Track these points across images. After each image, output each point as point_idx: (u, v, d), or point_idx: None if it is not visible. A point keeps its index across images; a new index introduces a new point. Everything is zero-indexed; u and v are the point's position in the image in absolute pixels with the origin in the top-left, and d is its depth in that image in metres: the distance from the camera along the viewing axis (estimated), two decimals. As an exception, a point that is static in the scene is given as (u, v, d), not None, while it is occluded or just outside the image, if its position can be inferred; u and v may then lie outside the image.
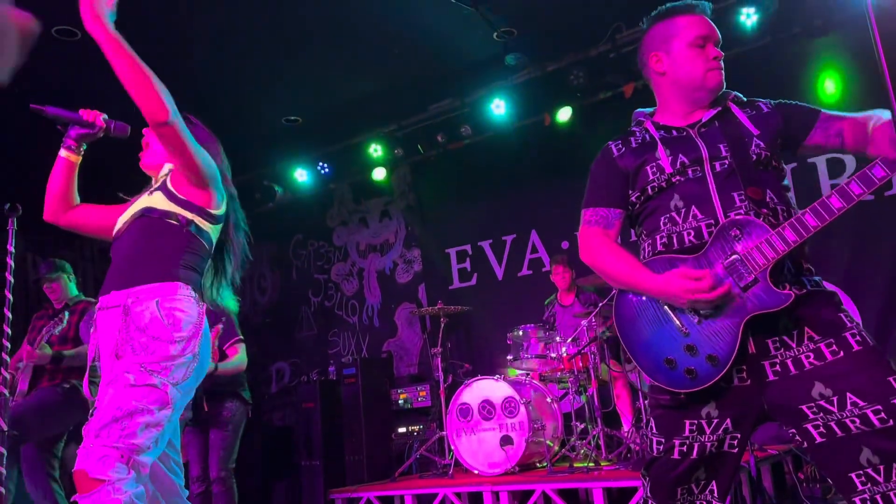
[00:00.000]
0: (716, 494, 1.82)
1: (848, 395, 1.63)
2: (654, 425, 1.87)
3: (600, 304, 4.80)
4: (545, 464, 4.26)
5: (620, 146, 2.02)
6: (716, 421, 1.77)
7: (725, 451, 1.80)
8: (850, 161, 5.06)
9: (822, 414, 1.65)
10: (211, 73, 5.66)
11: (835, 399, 1.64)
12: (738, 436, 1.79)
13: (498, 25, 5.35)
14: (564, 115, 5.95)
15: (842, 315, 1.76)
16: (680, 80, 1.95)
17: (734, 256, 1.75)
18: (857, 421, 1.61)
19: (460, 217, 6.83)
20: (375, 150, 6.75)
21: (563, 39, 5.71)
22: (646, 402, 4.47)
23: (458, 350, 6.54)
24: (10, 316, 3.23)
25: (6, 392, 3.00)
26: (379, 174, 6.97)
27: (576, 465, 4.30)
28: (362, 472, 6.05)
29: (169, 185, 2.26)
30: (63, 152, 2.42)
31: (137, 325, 2.04)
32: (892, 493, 1.57)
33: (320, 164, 7.08)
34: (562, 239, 6.18)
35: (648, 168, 1.92)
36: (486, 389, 4.61)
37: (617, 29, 5.57)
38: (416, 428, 6.03)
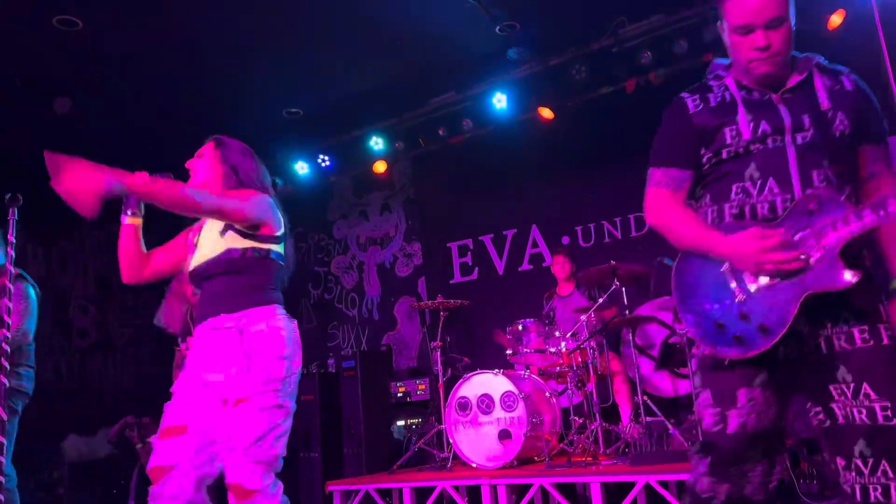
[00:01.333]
0: (765, 475, 1.81)
1: (864, 384, 1.66)
2: (709, 396, 1.83)
3: (600, 299, 4.80)
4: (543, 458, 4.27)
5: (698, 102, 1.90)
6: (765, 390, 1.77)
7: (770, 428, 1.79)
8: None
9: (840, 399, 1.69)
10: (213, 66, 5.66)
11: (852, 385, 1.67)
12: (777, 411, 1.79)
13: (500, 19, 5.34)
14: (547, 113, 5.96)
15: (881, 307, 1.74)
16: (733, 61, 1.89)
17: (807, 230, 1.69)
18: (864, 412, 1.65)
19: (461, 211, 6.83)
20: (376, 143, 6.74)
21: (565, 33, 5.70)
22: (645, 397, 4.48)
23: (458, 344, 6.55)
24: (12, 305, 3.24)
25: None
26: (380, 167, 6.96)
27: (574, 459, 4.31)
28: (361, 465, 6.06)
29: (239, 226, 2.46)
30: (127, 219, 2.58)
31: (258, 344, 2.34)
32: (870, 487, 1.63)
33: (321, 156, 7.07)
34: (562, 234, 6.18)
35: (727, 130, 1.82)
36: (485, 383, 4.62)
37: (619, 23, 5.57)
38: (415, 421, 6.04)
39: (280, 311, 2.47)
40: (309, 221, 7.90)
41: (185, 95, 6.02)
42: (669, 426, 4.43)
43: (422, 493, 4.51)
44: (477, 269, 6.67)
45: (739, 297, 1.76)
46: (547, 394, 4.75)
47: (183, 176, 2.64)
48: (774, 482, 1.83)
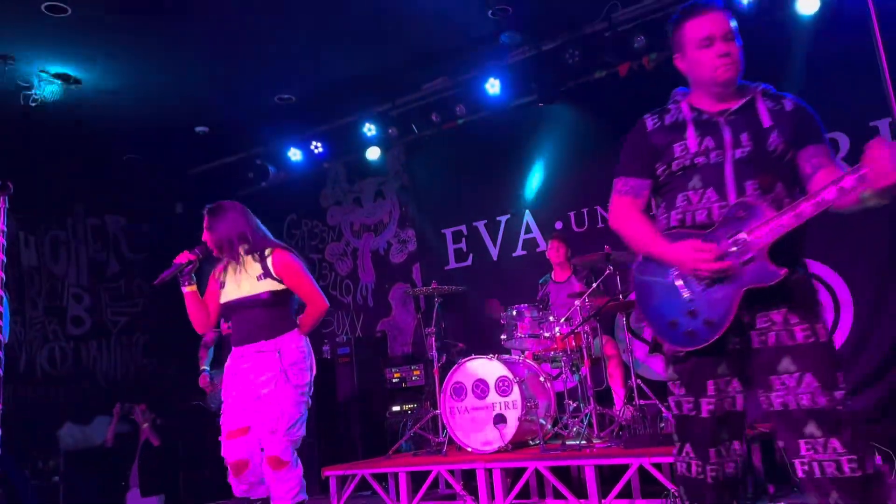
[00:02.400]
0: (739, 454, 2.05)
1: (807, 374, 1.92)
2: (681, 386, 2.08)
3: (594, 284, 4.82)
4: (538, 442, 4.30)
5: (656, 121, 2.18)
6: (727, 378, 2.03)
7: (738, 411, 2.04)
8: (843, 140, 5.06)
9: (784, 387, 1.94)
10: (204, 51, 5.62)
11: (796, 375, 1.93)
12: (743, 396, 2.04)
13: (492, 3, 5.31)
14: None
15: (818, 309, 2.02)
16: (697, 79, 2.13)
17: (739, 235, 1.94)
18: (807, 398, 1.91)
19: (455, 197, 6.82)
20: (369, 129, 6.71)
21: (558, 17, 5.68)
22: (638, 381, 4.51)
23: (453, 330, 6.56)
24: (4, 295, 3.23)
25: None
26: (373, 154, 6.93)
27: (568, 442, 4.34)
28: (357, 451, 6.09)
29: (273, 273, 3.31)
30: (185, 289, 3.35)
31: (290, 361, 3.26)
32: (825, 462, 1.87)
33: (314, 143, 7.04)
34: (556, 219, 6.18)
35: (676, 146, 2.09)
36: (479, 369, 4.64)
37: (612, 7, 5.54)
38: (410, 407, 6.07)
39: (300, 333, 3.35)
40: (302, 208, 7.89)
41: (177, 82, 5.98)
42: (663, 409, 4.47)
43: (417, 478, 4.54)
44: (471, 254, 6.68)
45: (687, 296, 2.02)
46: (541, 378, 4.77)
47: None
48: (743, 460, 2.07)
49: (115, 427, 6.34)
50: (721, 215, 1.99)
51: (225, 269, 3.39)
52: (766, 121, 2.05)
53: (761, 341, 1.99)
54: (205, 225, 3.39)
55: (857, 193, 1.89)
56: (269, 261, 3.31)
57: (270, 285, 3.27)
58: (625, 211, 2.19)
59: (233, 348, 3.36)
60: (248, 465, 3.19)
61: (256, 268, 3.30)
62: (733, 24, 2.07)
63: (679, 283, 2.04)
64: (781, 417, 1.95)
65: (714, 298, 1.97)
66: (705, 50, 2.06)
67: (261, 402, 3.19)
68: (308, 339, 3.37)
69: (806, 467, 1.91)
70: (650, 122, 2.18)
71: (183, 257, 3.30)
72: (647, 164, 2.16)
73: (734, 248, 1.94)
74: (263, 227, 3.48)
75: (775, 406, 1.96)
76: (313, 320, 3.36)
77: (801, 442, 1.91)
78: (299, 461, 3.21)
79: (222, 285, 3.37)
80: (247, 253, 3.33)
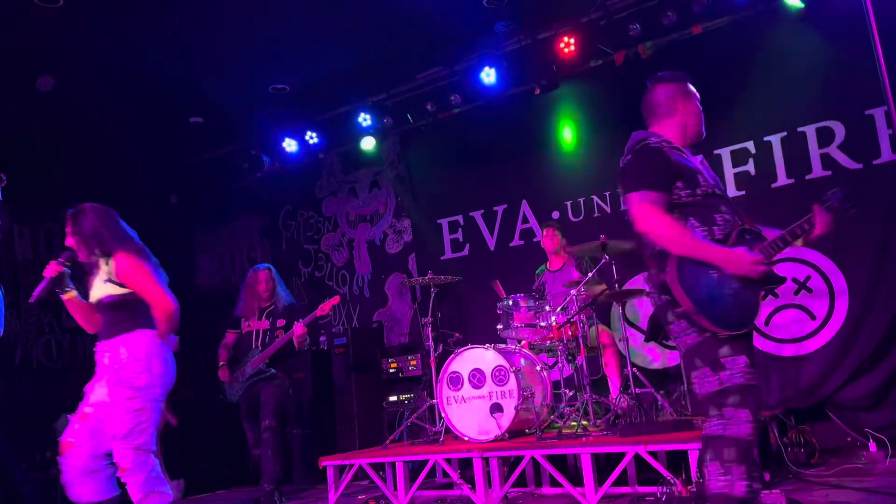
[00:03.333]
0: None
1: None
2: (745, 362, 2.36)
3: (590, 273, 4.82)
4: (534, 430, 4.31)
5: (672, 149, 2.55)
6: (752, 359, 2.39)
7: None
8: (839, 129, 5.07)
9: None
10: (198, 42, 5.58)
11: None
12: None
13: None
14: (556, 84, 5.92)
15: None
16: (684, 127, 2.67)
17: (759, 246, 2.43)
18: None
19: (451, 187, 6.81)
20: (365, 119, 6.69)
21: (554, 6, 5.65)
22: (634, 369, 4.53)
23: (449, 320, 6.57)
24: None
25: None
26: (368, 144, 6.91)
27: (564, 431, 4.36)
28: (354, 441, 6.11)
29: (114, 276, 3.24)
30: (64, 298, 3.46)
31: (123, 365, 3.16)
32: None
33: (309, 133, 7.01)
34: (552, 209, 6.18)
35: (699, 177, 2.50)
36: (476, 358, 4.65)
37: (608, -5, 5.52)
38: (407, 397, 6.08)
39: (150, 335, 3.19)
40: (297, 199, 7.87)
41: (171, 73, 5.95)
42: (658, 397, 4.49)
43: (415, 467, 4.55)
44: (468, 245, 6.68)
45: (732, 290, 2.39)
46: (538, 367, 4.78)
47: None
48: None
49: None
50: (734, 237, 2.45)
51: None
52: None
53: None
54: (67, 230, 3.41)
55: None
56: (112, 265, 3.27)
57: (112, 289, 3.25)
58: (666, 219, 2.47)
59: None
60: (71, 447, 3.19)
61: (105, 271, 3.29)
62: None
63: (727, 279, 2.39)
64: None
65: (750, 293, 2.40)
66: (698, 106, 2.70)
67: (98, 406, 3.19)
68: (166, 341, 3.23)
69: None
70: (667, 149, 2.55)
71: (51, 269, 3.38)
72: (671, 182, 2.50)
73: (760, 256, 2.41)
74: (125, 229, 3.41)
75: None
76: (164, 323, 3.20)
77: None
78: (148, 465, 3.09)
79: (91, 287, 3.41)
80: (100, 256, 3.31)
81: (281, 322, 5.21)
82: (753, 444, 2.33)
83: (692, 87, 2.66)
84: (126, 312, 3.22)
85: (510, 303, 4.88)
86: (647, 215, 2.46)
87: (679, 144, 2.58)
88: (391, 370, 6.35)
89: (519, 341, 4.98)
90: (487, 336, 5.14)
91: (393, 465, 4.59)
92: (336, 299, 5.30)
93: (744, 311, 2.39)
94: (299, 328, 5.06)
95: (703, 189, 2.48)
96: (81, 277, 3.40)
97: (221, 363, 5.31)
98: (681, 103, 2.62)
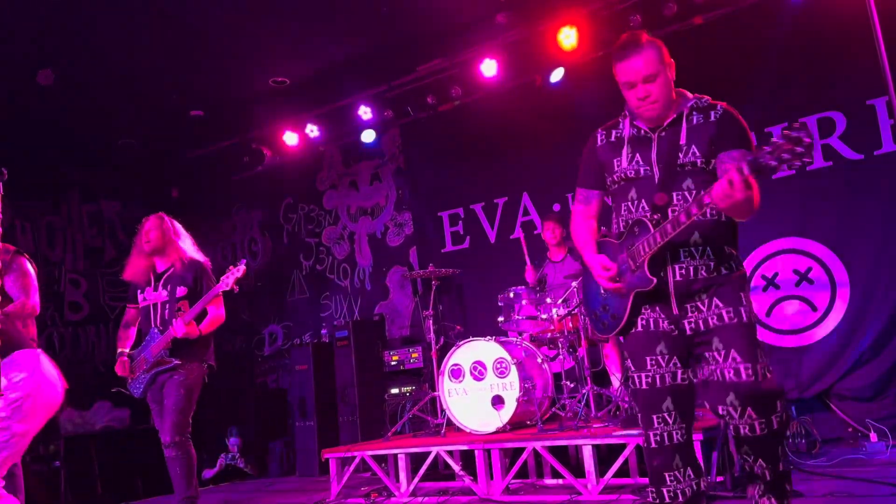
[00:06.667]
0: (681, 424, 2.35)
1: (732, 350, 2.24)
2: (631, 363, 2.44)
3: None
4: (536, 422, 4.32)
5: (603, 137, 2.53)
6: (666, 356, 2.36)
7: (679, 384, 2.35)
8: (840, 119, 5.05)
9: (714, 362, 2.27)
10: (198, 34, 5.56)
11: (723, 352, 2.25)
12: (685, 371, 2.37)
13: (488, -17, 5.26)
14: (557, 75, 5.90)
15: (742, 294, 2.32)
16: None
17: (632, 248, 2.36)
18: (732, 372, 2.23)
19: (451, 180, 6.79)
20: (365, 112, 6.67)
21: (554, -2, 5.63)
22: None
23: (451, 312, 6.58)
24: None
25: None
26: (368, 137, 6.90)
27: (566, 423, 4.37)
28: (356, 433, 6.13)
29: None
30: None
31: None
32: (741, 426, 2.22)
33: (309, 126, 6.99)
34: (553, 201, 6.17)
35: (615, 162, 2.45)
36: (477, 350, 4.66)
37: (609, -14, 5.49)
38: (409, 389, 6.10)
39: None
40: (298, 192, 7.87)
41: (172, 66, 5.94)
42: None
43: (416, 459, 4.57)
44: (468, 237, 6.67)
45: (602, 294, 2.50)
46: (539, 359, 4.79)
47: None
48: (686, 433, 2.37)
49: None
50: (625, 230, 2.41)
51: None
52: (683, 137, 2.33)
53: (692, 328, 2.34)
54: None
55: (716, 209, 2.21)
56: None
57: None
58: (576, 218, 2.61)
59: None
60: None
61: None
62: (654, 68, 2.29)
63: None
64: (707, 386, 2.32)
65: (618, 297, 2.43)
66: (629, 91, 2.36)
67: None
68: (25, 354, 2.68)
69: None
70: (599, 137, 2.54)
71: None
72: (596, 176, 2.54)
73: (629, 260, 2.35)
74: None
75: (704, 376, 2.33)
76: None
77: (721, 408, 2.26)
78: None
79: None
80: None
81: (181, 291, 4.05)
82: (651, 452, 2.40)
83: (618, 66, 2.39)
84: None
85: (511, 295, 4.88)
86: (571, 214, 2.64)
87: (638, 121, 2.44)
88: (393, 363, 6.37)
89: (520, 333, 4.98)
90: (488, 328, 5.15)
91: (395, 456, 4.61)
92: (242, 270, 3.97)
93: (605, 315, 2.48)
94: (179, 328, 3.86)
95: (618, 174, 2.44)
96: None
97: (120, 350, 4.18)
98: (619, 86, 2.44)
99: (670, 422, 2.33)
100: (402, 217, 7.19)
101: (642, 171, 2.37)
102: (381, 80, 6.59)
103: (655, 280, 2.30)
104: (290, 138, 7.08)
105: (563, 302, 4.77)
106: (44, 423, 2.73)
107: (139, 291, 4.22)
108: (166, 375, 4.00)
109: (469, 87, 6.25)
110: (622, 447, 3.83)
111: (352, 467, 4.76)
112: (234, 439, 6.82)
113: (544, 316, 4.76)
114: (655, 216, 2.32)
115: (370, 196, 7.45)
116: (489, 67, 5.98)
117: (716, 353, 2.27)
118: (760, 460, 2.25)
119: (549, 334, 4.80)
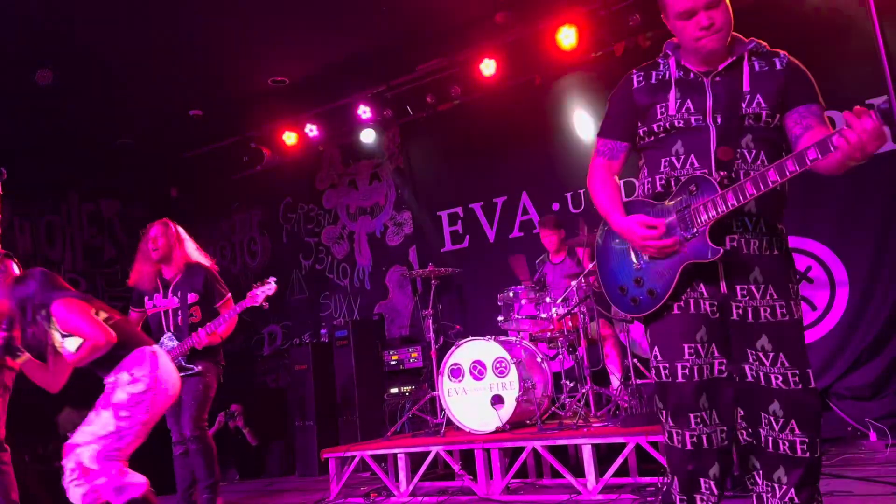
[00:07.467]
0: (722, 427, 2.03)
1: (781, 354, 1.96)
2: (658, 353, 2.09)
3: (591, 265, 4.82)
4: (535, 421, 4.32)
5: (641, 79, 2.12)
6: (706, 344, 2.02)
7: (718, 378, 2.03)
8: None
9: (757, 362, 1.99)
10: (197, 34, 5.56)
11: (771, 354, 1.97)
12: (724, 362, 2.04)
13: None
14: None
15: (791, 287, 2.02)
16: (681, 43, 2.08)
17: (686, 210, 1.97)
18: (780, 378, 1.96)
19: (451, 179, 6.80)
20: (364, 111, 6.67)
21: (554, -3, 5.62)
22: (634, 360, 4.53)
23: (450, 312, 6.58)
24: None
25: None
26: (368, 136, 6.90)
27: (565, 422, 4.37)
28: (355, 432, 6.13)
29: None
30: (20, 362, 3.29)
31: None
32: (780, 440, 1.95)
33: (308, 125, 7.00)
34: (552, 200, 6.17)
35: (658, 107, 2.05)
36: (477, 350, 4.65)
37: (608, -15, 5.49)
38: (408, 388, 6.09)
39: None
40: (298, 192, 7.86)
41: (171, 65, 5.93)
42: (659, 388, 4.49)
43: (416, 458, 4.57)
44: (468, 236, 6.67)
45: (636, 264, 2.08)
46: (538, 359, 4.79)
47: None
48: (728, 436, 2.05)
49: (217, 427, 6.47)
50: (678, 186, 2.00)
51: None
52: (747, 84, 2.00)
53: (739, 314, 2.01)
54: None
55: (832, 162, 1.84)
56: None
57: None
58: (598, 172, 2.20)
59: None
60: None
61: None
62: None
63: (630, 249, 2.10)
64: (750, 391, 2.01)
65: (658, 270, 2.02)
66: (686, 21, 1.99)
67: None
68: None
69: (763, 441, 2.00)
70: (636, 79, 2.13)
71: None
72: (627, 126, 2.14)
73: (680, 224, 1.97)
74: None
75: (748, 379, 2.01)
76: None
77: (763, 416, 1.98)
78: None
79: None
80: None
81: (192, 297, 4.15)
82: (685, 455, 2.12)
83: None
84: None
85: (511, 294, 4.88)
86: (589, 169, 2.21)
87: (692, 57, 2.07)
88: (392, 362, 6.37)
89: (520, 333, 4.98)
90: (488, 328, 5.14)
91: (395, 456, 4.60)
92: (273, 289, 4.16)
93: (638, 290, 2.06)
94: (202, 338, 3.98)
95: (659, 123, 2.04)
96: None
97: None
98: (665, 21, 2.10)
99: (709, 422, 2.01)
100: (402, 216, 7.19)
101: (693, 121, 1.99)
102: (380, 79, 6.59)
103: (722, 250, 1.92)
104: (290, 138, 7.08)
105: (562, 301, 4.77)
106: (163, 413, 3.14)
107: (147, 298, 4.26)
108: (183, 380, 3.95)
109: (468, 86, 6.24)
110: (622, 446, 3.83)
111: (351, 467, 4.76)
112: (235, 406, 6.76)
113: (544, 315, 4.76)
114: (720, 173, 1.94)
115: (369, 195, 7.45)
116: (488, 67, 5.98)
117: (760, 353, 1.97)
118: (793, 492, 1.93)
119: (549, 333, 4.80)
